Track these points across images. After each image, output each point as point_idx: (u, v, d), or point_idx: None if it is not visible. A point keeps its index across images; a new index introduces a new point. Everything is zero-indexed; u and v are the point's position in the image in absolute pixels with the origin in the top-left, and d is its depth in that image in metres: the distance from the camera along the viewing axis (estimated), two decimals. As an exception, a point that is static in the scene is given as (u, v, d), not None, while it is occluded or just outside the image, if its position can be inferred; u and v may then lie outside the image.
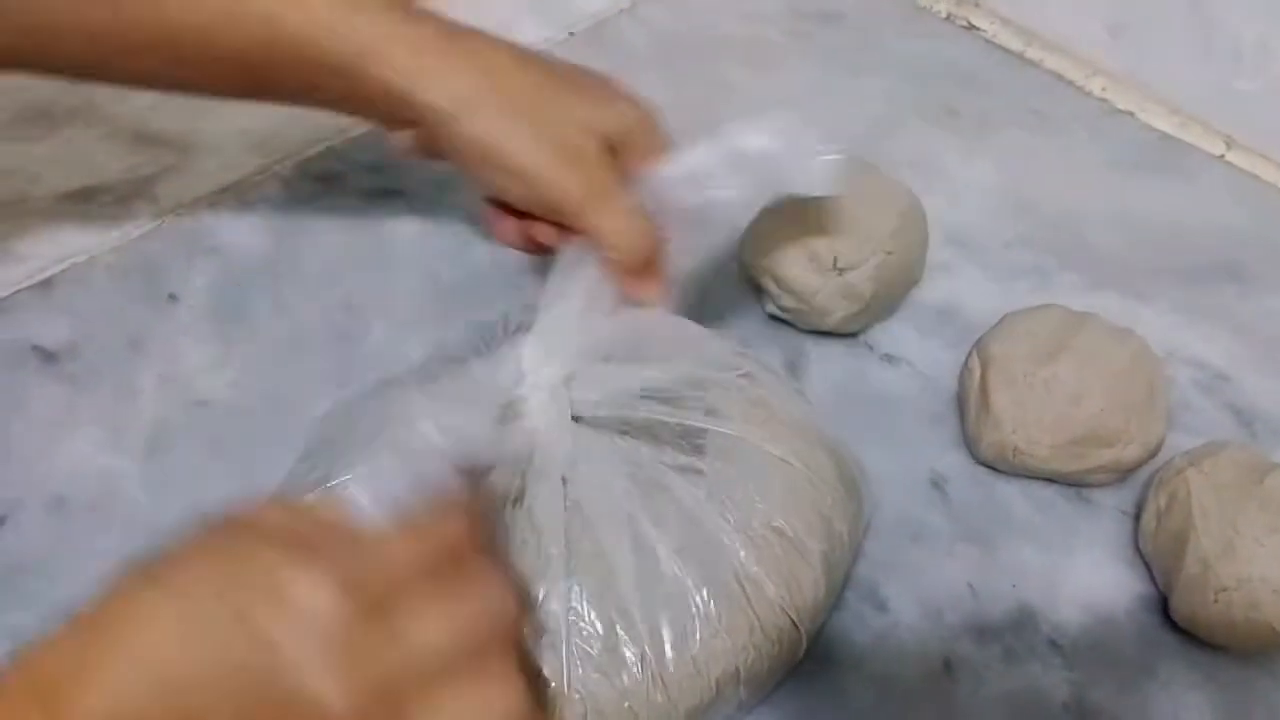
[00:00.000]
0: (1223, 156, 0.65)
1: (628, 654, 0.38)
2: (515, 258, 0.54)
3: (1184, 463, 0.47)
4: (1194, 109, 0.66)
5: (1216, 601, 0.43)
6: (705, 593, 0.39)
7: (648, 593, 0.39)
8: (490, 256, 0.58)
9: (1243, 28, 0.61)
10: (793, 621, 0.41)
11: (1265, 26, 0.60)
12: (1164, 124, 0.67)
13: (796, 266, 0.53)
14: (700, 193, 0.46)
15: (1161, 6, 0.65)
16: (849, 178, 0.54)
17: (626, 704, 0.38)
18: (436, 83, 0.46)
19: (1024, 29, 0.72)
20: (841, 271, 0.52)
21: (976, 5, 0.74)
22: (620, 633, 0.38)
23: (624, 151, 0.47)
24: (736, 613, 0.40)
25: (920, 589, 0.47)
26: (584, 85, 0.48)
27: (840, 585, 0.45)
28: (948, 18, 0.75)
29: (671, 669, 0.38)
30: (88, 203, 0.61)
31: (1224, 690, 0.44)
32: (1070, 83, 0.70)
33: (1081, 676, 0.44)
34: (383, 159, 0.64)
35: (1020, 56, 0.72)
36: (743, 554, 0.40)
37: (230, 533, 0.30)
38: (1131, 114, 0.68)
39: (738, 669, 0.39)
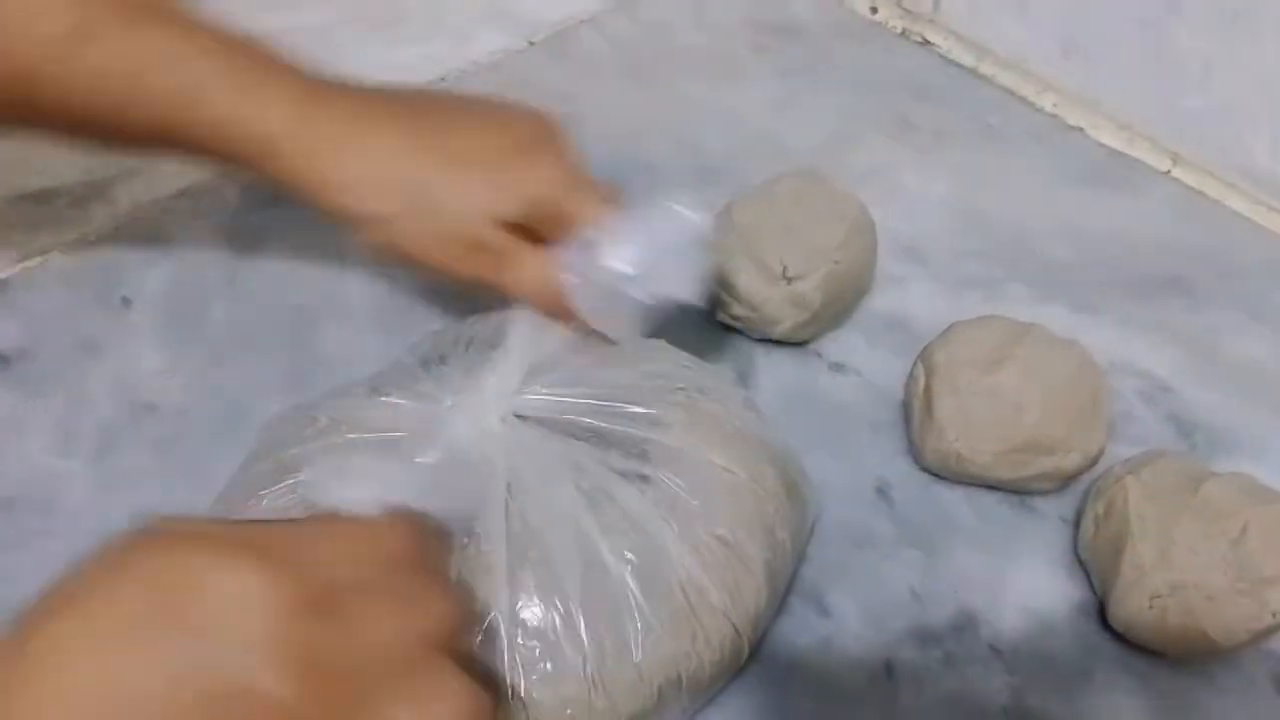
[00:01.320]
0: (1169, 172, 0.67)
1: (570, 660, 0.38)
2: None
3: (1123, 471, 0.48)
4: (1142, 126, 0.67)
5: (1151, 608, 0.44)
6: (650, 600, 0.39)
7: (592, 599, 0.39)
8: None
9: (1190, 47, 0.63)
10: (735, 628, 0.41)
11: (1212, 46, 0.62)
12: (1112, 140, 0.68)
13: (746, 275, 0.53)
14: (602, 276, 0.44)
15: (1112, 25, 0.66)
16: (800, 190, 0.55)
17: (568, 711, 0.38)
18: (333, 184, 0.46)
19: (976, 45, 0.74)
20: (790, 280, 0.53)
21: (931, 21, 0.75)
22: (563, 639, 0.39)
23: (541, 220, 0.46)
24: (680, 620, 0.40)
25: (863, 594, 0.47)
26: (490, 163, 0.47)
27: (782, 591, 0.45)
28: (903, 33, 0.76)
29: (614, 676, 0.39)
30: (44, 205, 0.61)
31: (1160, 696, 0.45)
32: (1022, 99, 0.71)
33: (1021, 681, 0.45)
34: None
35: (973, 72, 0.73)
36: (687, 561, 0.40)
37: (150, 541, 0.29)
38: (1081, 130, 0.69)
39: (680, 675, 0.40)
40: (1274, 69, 0.59)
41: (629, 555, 0.40)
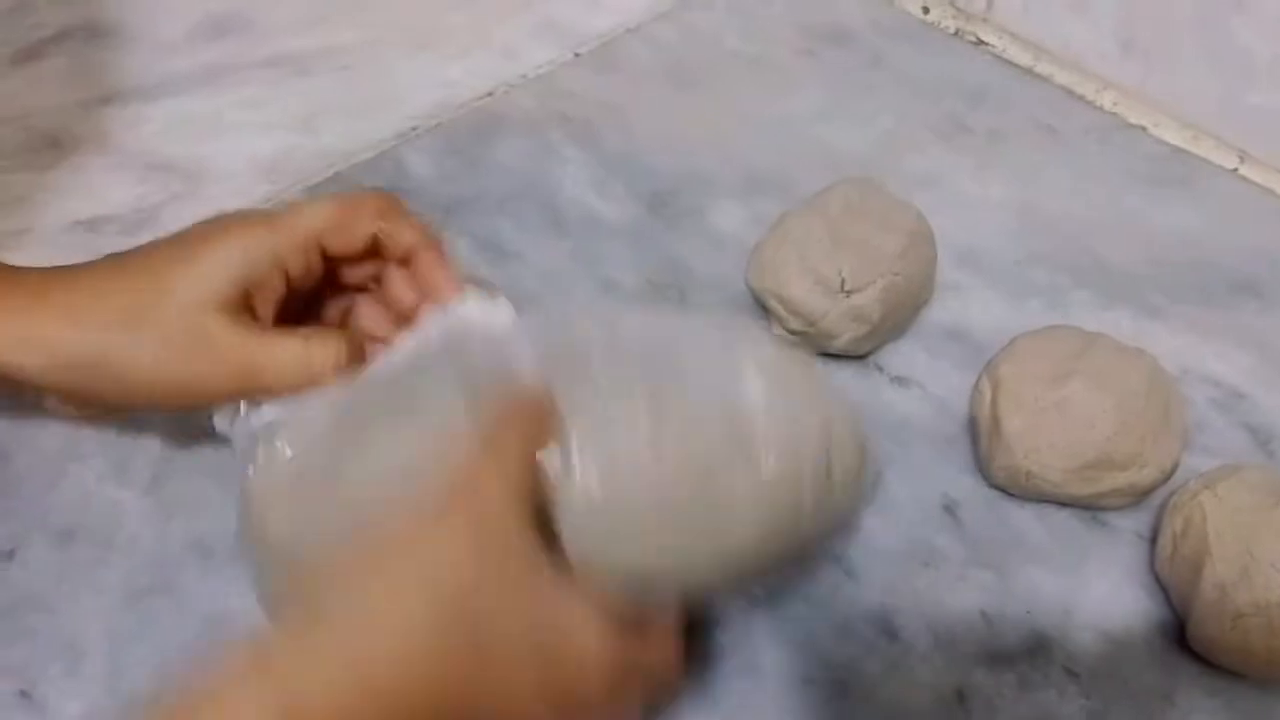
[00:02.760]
0: (1236, 170, 0.65)
1: None
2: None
3: (1199, 486, 0.46)
4: (1206, 123, 0.65)
5: (1234, 628, 0.42)
6: None
7: None
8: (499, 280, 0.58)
9: (1255, 42, 0.61)
10: None
11: (1276, 43, 0.60)
12: (1176, 138, 0.66)
13: (802, 289, 0.52)
14: None
15: (1172, 20, 0.64)
16: (854, 198, 0.54)
17: None
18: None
19: (1032, 44, 0.72)
20: (849, 293, 0.52)
21: (984, 20, 0.73)
22: None
23: (262, 284, 0.42)
24: None
25: (932, 616, 0.46)
26: (179, 257, 0.42)
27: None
28: (956, 34, 0.74)
29: None
30: (93, 232, 0.61)
31: (1243, 718, 0.43)
32: (1080, 97, 0.69)
33: (1098, 704, 0.43)
34: (388, 183, 0.64)
35: (1030, 71, 0.71)
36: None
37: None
38: (1143, 128, 0.67)
39: None
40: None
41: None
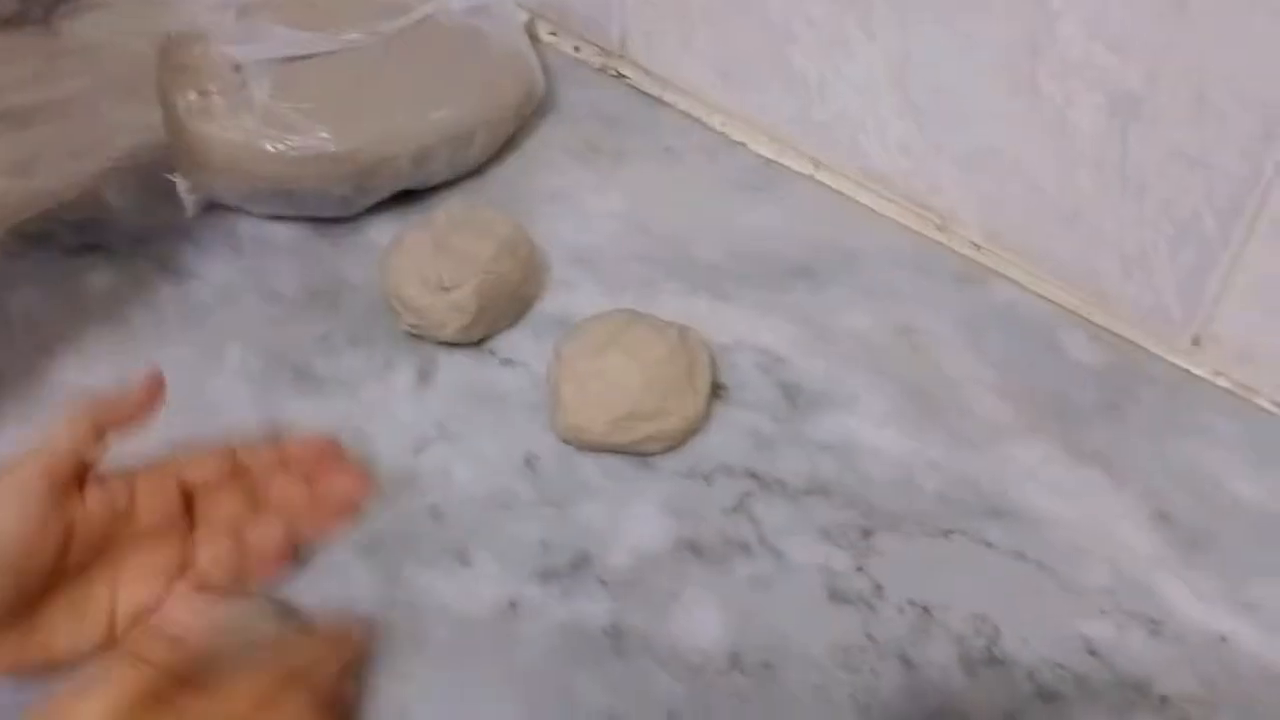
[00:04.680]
0: (813, 176, 0.78)
1: None
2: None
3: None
4: (788, 137, 0.78)
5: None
6: None
7: None
8: (177, 295, 0.68)
9: (808, 67, 0.74)
10: None
11: (822, 66, 0.73)
12: (767, 150, 0.79)
13: (412, 289, 0.63)
14: None
15: (750, 51, 0.76)
16: (459, 216, 0.66)
17: None
18: None
19: (660, 77, 0.84)
20: (448, 290, 0.63)
21: (621, 57, 0.86)
22: None
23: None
24: None
25: (501, 547, 0.57)
26: None
27: None
28: (601, 68, 0.87)
29: None
30: None
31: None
32: (697, 120, 0.82)
33: (619, 605, 0.55)
34: (89, 218, 0.73)
35: (658, 100, 0.84)
36: None
37: None
38: (744, 144, 0.80)
39: None
40: (866, 81, 0.71)
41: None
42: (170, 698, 0.40)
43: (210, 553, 0.50)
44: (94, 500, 0.47)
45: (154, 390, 0.50)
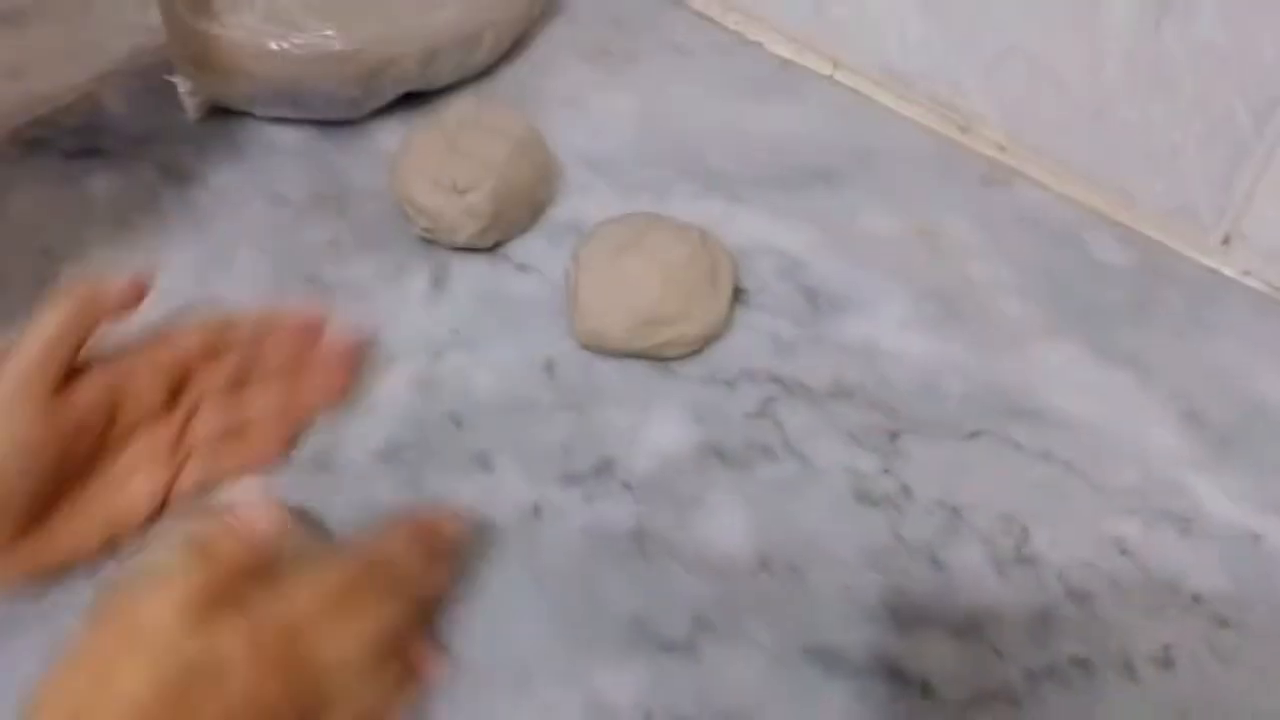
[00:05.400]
0: (831, 77, 0.76)
1: None
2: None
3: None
4: (806, 37, 0.76)
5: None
6: None
7: None
8: (180, 199, 0.66)
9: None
10: None
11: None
12: (784, 50, 0.77)
13: (424, 192, 0.62)
14: None
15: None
16: (471, 115, 0.64)
17: None
18: None
19: (672, -27, 0.82)
20: (463, 193, 0.61)
21: (631, -47, 0.83)
22: None
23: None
24: None
25: (522, 450, 0.56)
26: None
27: None
28: (609, -34, 0.84)
29: None
30: None
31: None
32: (710, 19, 0.80)
33: (645, 509, 0.54)
34: (88, 122, 0.71)
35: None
36: None
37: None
38: (760, 44, 0.78)
39: None
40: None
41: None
42: (239, 596, 0.39)
43: (208, 429, 0.50)
44: (88, 389, 0.46)
45: (140, 283, 0.48)
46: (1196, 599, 0.51)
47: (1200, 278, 0.64)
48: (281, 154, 0.70)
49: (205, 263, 0.63)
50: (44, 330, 0.45)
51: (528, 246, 0.66)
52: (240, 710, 0.37)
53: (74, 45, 0.76)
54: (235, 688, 0.37)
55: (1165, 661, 0.49)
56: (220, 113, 0.71)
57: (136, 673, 0.36)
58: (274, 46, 0.65)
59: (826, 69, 0.76)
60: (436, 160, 0.62)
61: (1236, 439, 0.57)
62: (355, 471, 0.55)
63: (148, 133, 0.71)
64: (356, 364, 0.56)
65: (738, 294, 0.62)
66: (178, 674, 0.36)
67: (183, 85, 0.70)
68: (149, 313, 0.49)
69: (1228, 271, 0.64)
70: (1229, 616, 0.50)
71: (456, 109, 0.64)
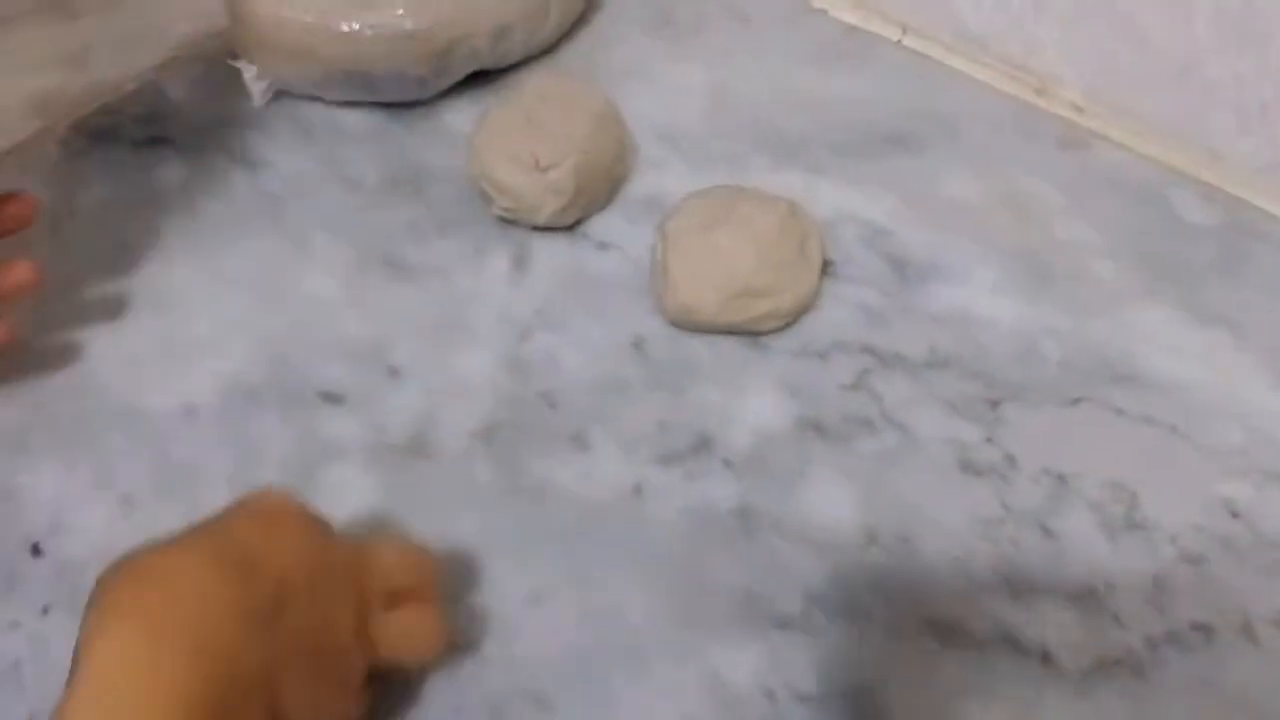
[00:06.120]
0: (899, 42, 0.75)
1: None
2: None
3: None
4: (872, 2, 0.75)
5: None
6: None
7: None
8: (252, 186, 0.66)
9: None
10: None
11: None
12: (851, 17, 0.76)
13: (504, 170, 0.61)
14: None
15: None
16: (548, 89, 0.63)
17: None
18: None
19: (731, -60, 0.81)
20: (545, 171, 0.61)
21: (689, -78, 0.82)
22: None
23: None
24: None
25: (618, 430, 0.56)
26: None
27: None
28: (665, -66, 0.83)
29: None
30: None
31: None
32: (771, -15, 0.79)
33: (746, 485, 0.54)
34: (152, 111, 0.71)
35: (729, -35, 0.80)
36: None
37: None
38: (825, 11, 0.77)
39: None
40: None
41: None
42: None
43: None
44: None
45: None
46: (1314, 560, 0.50)
47: (1290, 235, 0.64)
48: (351, 137, 0.69)
49: (284, 250, 0.63)
50: None
51: (606, 224, 0.65)
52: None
53: (134, 32, 0.75)
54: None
55: (1287, 624, 0.49)
56: (284, 97, 0.71)
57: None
58: (345, 28, 0.64)
59: (894, 34, 0.75)
60: (516, 137, 0.61)
61: (1341, 396, 0.56)
62: (452, 454, 0.54)
63: (214, 120, 0.70)
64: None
65: (824, 265, 0.61)
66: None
67: (248, 70, 0.69)
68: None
69: (1318, 228, 0.63)
70: (1349, 577, 0.50)
71: (534, 84, 0.64)
